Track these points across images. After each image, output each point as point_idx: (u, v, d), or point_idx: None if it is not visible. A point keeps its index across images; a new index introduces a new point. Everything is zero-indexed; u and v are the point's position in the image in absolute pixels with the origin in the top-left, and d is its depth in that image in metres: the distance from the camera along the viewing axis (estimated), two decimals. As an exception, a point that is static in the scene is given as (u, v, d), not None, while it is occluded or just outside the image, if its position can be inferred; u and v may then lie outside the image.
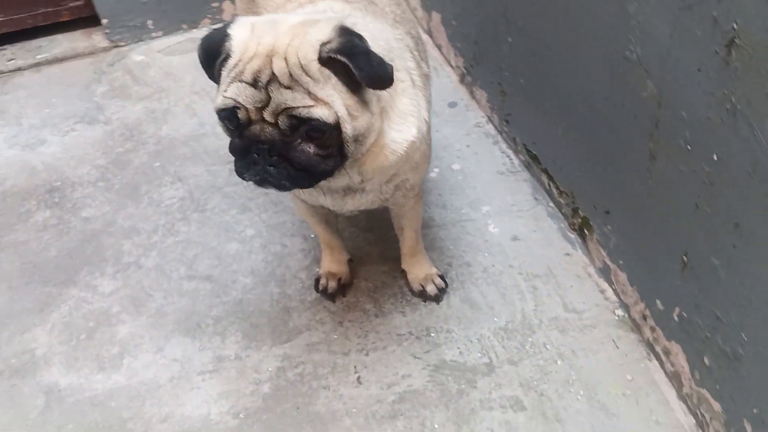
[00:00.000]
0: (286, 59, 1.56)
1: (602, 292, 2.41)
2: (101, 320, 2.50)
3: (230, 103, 1.59)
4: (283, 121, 1.58)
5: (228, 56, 1.62)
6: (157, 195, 2.98)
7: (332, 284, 2.50)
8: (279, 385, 2.26)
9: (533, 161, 2.79)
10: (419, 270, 2.46)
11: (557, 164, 2.59)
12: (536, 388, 2.16)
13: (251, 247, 2.75)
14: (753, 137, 1.46)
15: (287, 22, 1.64)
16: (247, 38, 1.61)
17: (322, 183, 1.79)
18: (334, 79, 1.58)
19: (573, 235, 2.59)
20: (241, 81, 1.58)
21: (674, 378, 2.08)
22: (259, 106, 1.58)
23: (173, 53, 3.81)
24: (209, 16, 3.93)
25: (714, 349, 1.82)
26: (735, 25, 1.43)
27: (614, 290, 2.37)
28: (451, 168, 2.96)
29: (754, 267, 1.57)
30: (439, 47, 3.55)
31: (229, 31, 1.64)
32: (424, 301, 2.45)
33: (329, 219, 2.40)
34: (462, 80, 3.38)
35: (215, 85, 1.70)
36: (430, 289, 2.44)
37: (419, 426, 2.10)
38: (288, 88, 1.56)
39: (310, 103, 1.56)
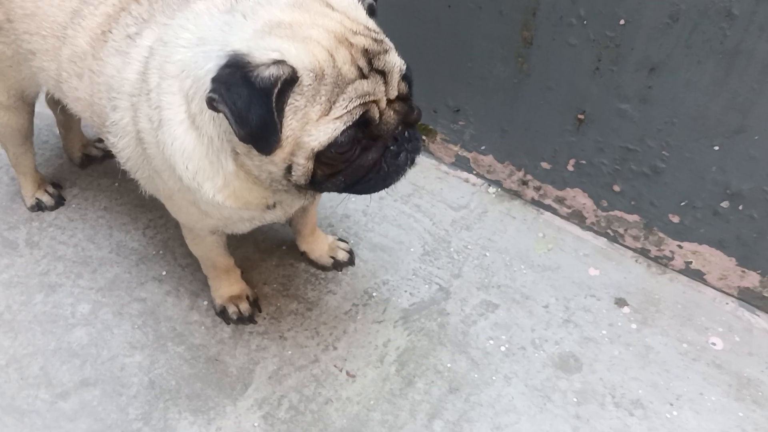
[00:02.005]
0: (357, 32, 1.36)
1: (466, 181, 2.60)
2: None
3: (358, 111, 1.33)
4: (403, 87, 1.41)
5: (293, 80, 1.29)
6: None
7: (244, 306, 2.20)
8: (281, 431, 2.00)
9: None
10: (322, 243, 2.31)
11: (367, 87, 2.59)
12: (491, 284, 2.31)
13: (104, 322, 2.22)
14: (672, -9, 1.74)
15: (292, 10, 1.37)
16: (301, 48, 1.30)
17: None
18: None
19: (406, 146, 2.68)
20: (348, 84, 1.32)
21: (573, 216, 2.43)
22: (383, 88, 1.37)
23: None
24: None
25: (626, 176, 2.19)
26: None
27: (476, 174, 2.58)
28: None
29: (676, 95, 1.91)
30: None
31: (273, 56, 1.29)
32: (341, 270, 2.34)
33: (225, 244, 2.09)
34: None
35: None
36: (342, 256, 2.33)
37: (436, 375, 2.10)
38: (385, 51, 1.39)
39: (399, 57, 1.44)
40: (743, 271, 2.17)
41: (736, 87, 1.81)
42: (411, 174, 2.59)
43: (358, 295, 2.29)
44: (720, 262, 2.20)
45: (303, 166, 1.39)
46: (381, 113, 1.40)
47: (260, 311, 2.24)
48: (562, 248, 2.41)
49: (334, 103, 1.32)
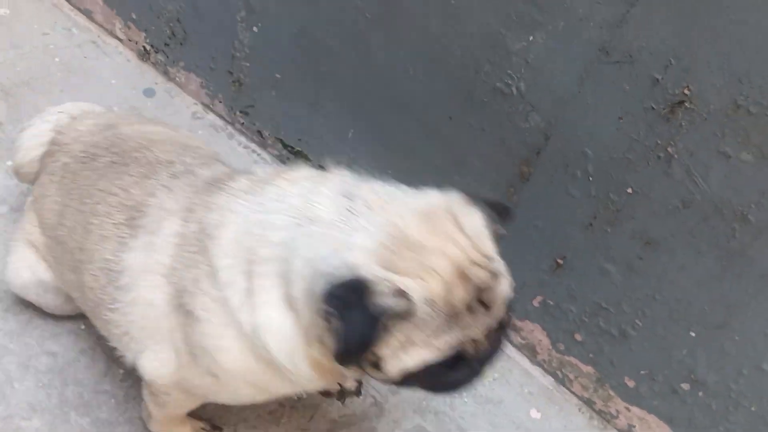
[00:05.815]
0: (476, 263, 1.28)
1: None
2: None
3: (454, 348, 1.29)
4: (504, 316, 1.33)
5: (407, 315, 1.23)
6: None
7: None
8: None
9: (298, 156, 2.54)
10: None
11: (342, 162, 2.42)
12: (428, 408, 2.17)
13: (6, 372, 2.02)
14: (691, 181, 1.64)
15: (424, 232, 1.28)
16: (421, 283, 1.23)
17: None
18: None
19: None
20: (454, 321, 1.26)
21: (525, 348, 2.32)
22: (485, 321, 1.31)
23: None
24: None
25: (592, 330, 2.09)
26: (687, 91, 1.53)
27: (435, 278, 2.44)
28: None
29: (666, 274, 1.83)
30: (88, 12, 2.81)
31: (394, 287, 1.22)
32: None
33: None
34: (146, 59, 2.77)
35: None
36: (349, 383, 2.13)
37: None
38: (496, 278, 1.31)
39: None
40: (685, 450, 2.11)
41: (730, 286, 1.73)
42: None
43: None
44: (664, 434, 2.13)
45: (387, 374, 1.33)
46: (476, 345, 1.33)
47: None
48: (508, 380, 2.29)
49: (437, 336, 1.27)
